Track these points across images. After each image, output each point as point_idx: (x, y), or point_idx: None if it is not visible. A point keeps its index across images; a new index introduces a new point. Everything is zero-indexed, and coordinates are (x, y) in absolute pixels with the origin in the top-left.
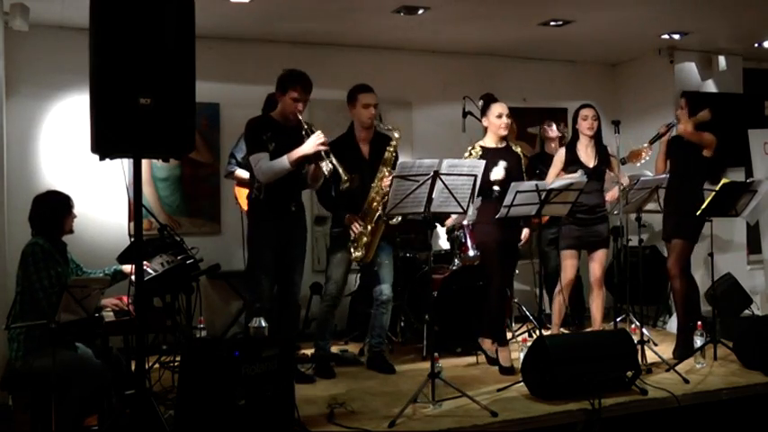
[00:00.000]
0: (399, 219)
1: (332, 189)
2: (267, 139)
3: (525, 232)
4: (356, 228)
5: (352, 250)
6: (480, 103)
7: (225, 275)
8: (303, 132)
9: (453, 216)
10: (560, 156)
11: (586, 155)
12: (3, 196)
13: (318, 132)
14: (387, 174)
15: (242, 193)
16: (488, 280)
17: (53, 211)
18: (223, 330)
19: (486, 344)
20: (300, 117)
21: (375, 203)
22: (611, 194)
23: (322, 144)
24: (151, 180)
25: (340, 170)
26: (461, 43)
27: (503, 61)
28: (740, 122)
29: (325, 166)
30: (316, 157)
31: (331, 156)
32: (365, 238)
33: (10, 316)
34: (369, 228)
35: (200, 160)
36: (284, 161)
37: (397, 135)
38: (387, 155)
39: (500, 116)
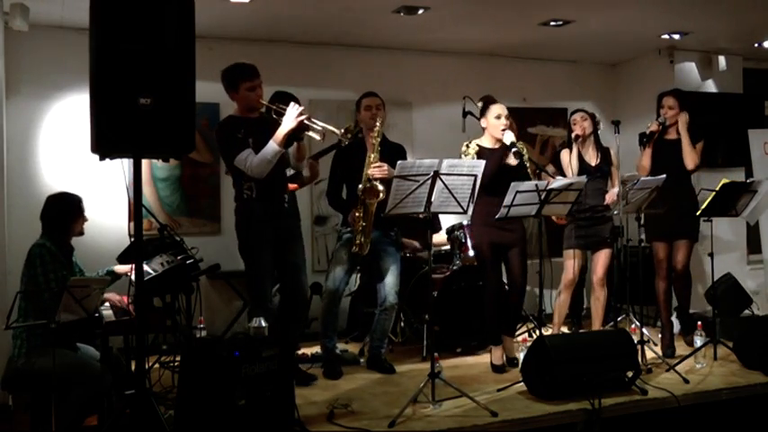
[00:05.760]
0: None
1: (342, 190)
2: (243, 136)
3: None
4: (354, 217)
5: (355, 240)
6: (480, 104)
7: (225, 275)
8: (273, 114)
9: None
10: (570, 158)
11: (589, 155)
12: (3, 196)
13: (292, 105)
14: (372, 159)
15: None
16: (483, 280)
17: (61, 213)
18: (223, 330)
19: (496, 354)
20: (263, 102)
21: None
22: (610, 196)
23: (301, 114)
24: (151, 180)
25: (330, 128)
26: (461, 43)
27: (503, 61)
28: (740, 122)
29: (317, 134)
30: (301, 129)
31: (314, 120)
32: (362, 223)
33: (10, 315)
34: (360, 213)
35: (200, 160)
36: (272, 145)
37: (378, 122)
38: (372, 141)
39: (498, 117)
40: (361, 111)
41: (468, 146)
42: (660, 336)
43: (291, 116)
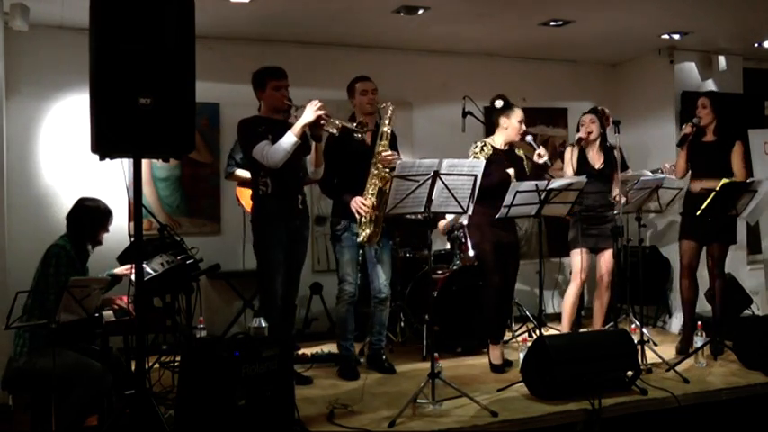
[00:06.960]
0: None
1: (334, 176)
2: (263, 131)
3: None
4: (361, 206)
5: (359, 231)
6: (499, 103)
7: (225, 275)
8: (294, 114)
9: (444, 221)
10: (571, 155)
11: (593, 156)
12: (3, 196)
13: (312, 101)
14: (383, 147)
15: (244, 194)
16: (485, 281)
17: (92, 220)
18: (223, 330)
19: (495, 353)
20: (287, 102)
21: (375, 178)
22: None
23: (320, 109)
24: (151, 180)
25: (348, 125)
26: (461, 43)
27: (503, 61)
28: (740, 122)
29: (333, 128)
30: (318, 124)
31: (332, 117)
32: (373, 213)
33: (10, 315)
34: (373, 202)
35: (200, 160)
36: (289, 135)
37: (391, 108)
38: (384, 128)
39: (521, 122)
40: (357, 95)
41: (482, 148)
42: (680, 334)
43: (310, 110)
